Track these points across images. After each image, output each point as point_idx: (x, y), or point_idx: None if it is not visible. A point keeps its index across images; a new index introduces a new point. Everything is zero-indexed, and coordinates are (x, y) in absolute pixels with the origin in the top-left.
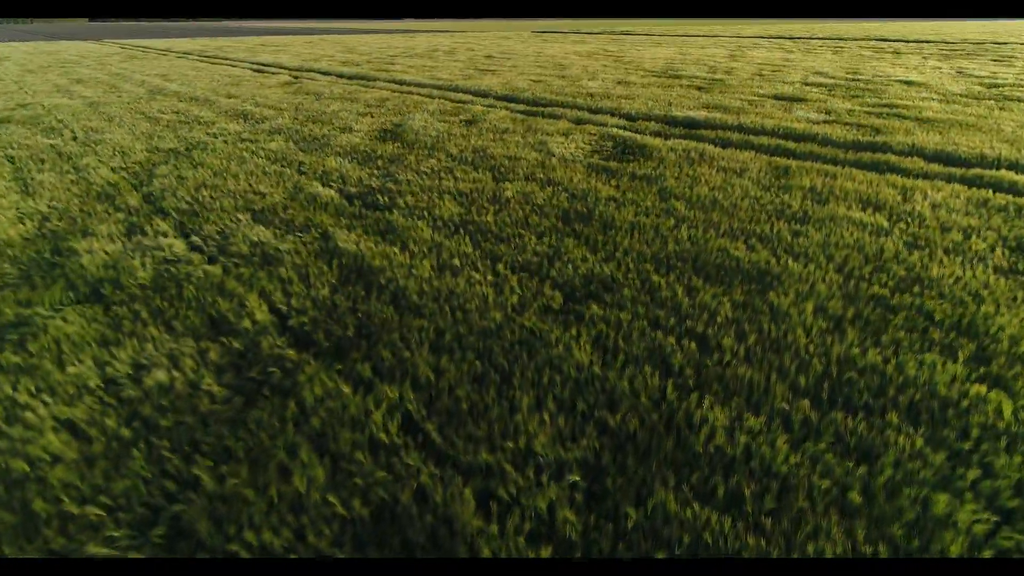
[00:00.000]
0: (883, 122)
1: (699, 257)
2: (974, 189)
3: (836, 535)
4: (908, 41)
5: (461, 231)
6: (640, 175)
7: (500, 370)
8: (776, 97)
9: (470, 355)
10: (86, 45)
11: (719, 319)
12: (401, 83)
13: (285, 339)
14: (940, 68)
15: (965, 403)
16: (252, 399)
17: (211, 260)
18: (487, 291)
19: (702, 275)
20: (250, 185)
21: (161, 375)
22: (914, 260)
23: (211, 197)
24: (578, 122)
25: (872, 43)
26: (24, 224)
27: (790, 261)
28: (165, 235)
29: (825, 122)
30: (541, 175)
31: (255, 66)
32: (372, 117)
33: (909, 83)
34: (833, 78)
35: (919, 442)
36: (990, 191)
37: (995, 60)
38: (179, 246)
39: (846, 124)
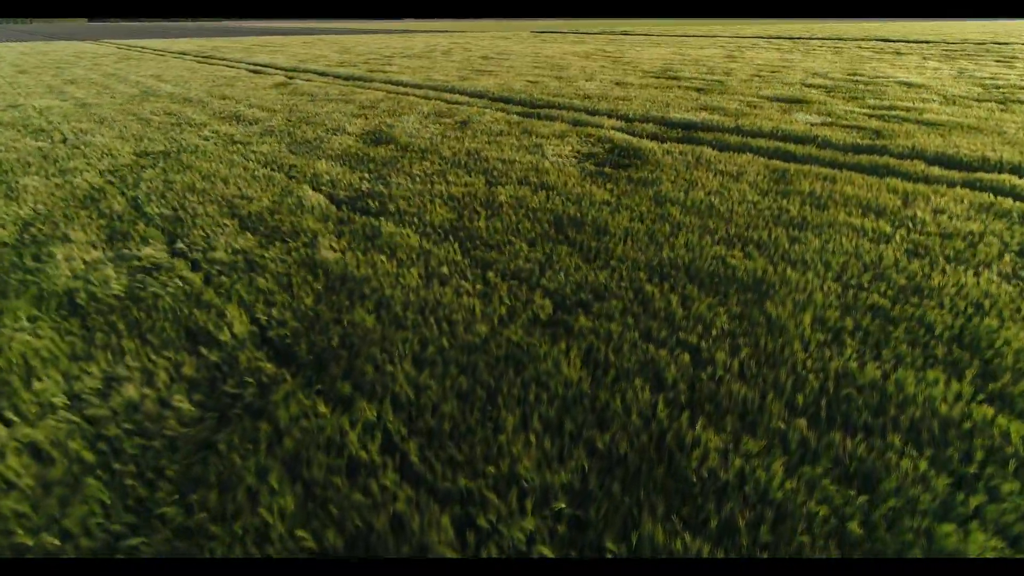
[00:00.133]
0: (883, 124)
1: (694, 265)
2: (976, 193)
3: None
4: (908, 41)
5: (451, 238)
6: (636, 179)
7: (485, 386)
8: (775, 99)
9: (453, 370)
10: (83, 45)
11: (714, 332)
12: (397, 84)
13: (264, 352)
14: (941, 69)
15: (968, 424)
16: (225, 418)
17: (193, 268)
18: (474, 302)
19: (697, 283)
20: (238, 189)
21: (131, 391)
22: (914, 268)
23: (198, 202)
24: (574, 124)
25: (872, 43)
26: (5, 228)
27: (788, 270)
28: (147, 242)
29: (824, 124)
30: (535, 179)
31: (251, 67)
32: (366, 119)
33: (909, 84)
34: (833, 79)
35: (923, 465)
36: (993, 195)
37: (997, 61)
38: (161, 254)
39: (846, 126)
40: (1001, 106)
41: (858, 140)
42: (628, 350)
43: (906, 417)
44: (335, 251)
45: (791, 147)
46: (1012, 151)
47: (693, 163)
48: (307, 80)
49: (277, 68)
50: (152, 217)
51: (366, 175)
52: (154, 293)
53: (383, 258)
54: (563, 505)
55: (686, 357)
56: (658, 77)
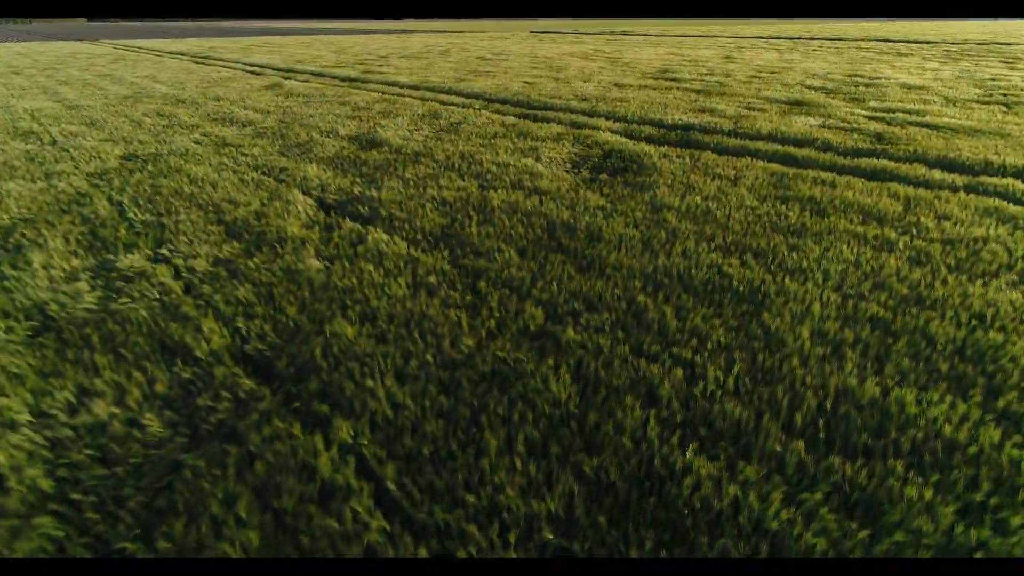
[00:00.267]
0: (884, 127)
1: (690, 274)
2: (979, 197)
3: None
4: (909, 42)
5: (441, 244)
6: (632, 183)
7: (469, 405)
8: (774, 100)
9: (434, 388)
10: (80, 46)
11: (709, 345)
12: (392, 85)
13: (241, 368)
14: (942, 70)
15: (974, 448)
16: (195, 439)
17: (175, 276)
18: (461, 315)
19: (692, 293)
20: (227, 193)
21: (100, 409)
22: (916, 277)
23: (184, 207)
24: (571, 126)
25: (872, 44)
26: None
27: (786, 279)
28: (129, 249)
29: (824, 127)
30: (529, 183)
31: (247, 67)
32: (360, 120)
33: (910, 86)
34: (833, 80)
35: (928, 494)
36: (996, 200)
37: (1000, 61)
38: (142, 262)
39: (846, 129)
40: (1004, 108)
41: (859, 143)
42: (619, 365)
43: (907, 439)
44: (321, 259)
45: (791, 150)
46: (1016, 154)
47: (690, 167)
48: (303, 81)
49: (274, 69)
50: (136, 223)
51: (357, 178)
52: (131, 305)
53: (370, 267)
54: (550, 535)
55: (679, 373)
56: (656, 78)
